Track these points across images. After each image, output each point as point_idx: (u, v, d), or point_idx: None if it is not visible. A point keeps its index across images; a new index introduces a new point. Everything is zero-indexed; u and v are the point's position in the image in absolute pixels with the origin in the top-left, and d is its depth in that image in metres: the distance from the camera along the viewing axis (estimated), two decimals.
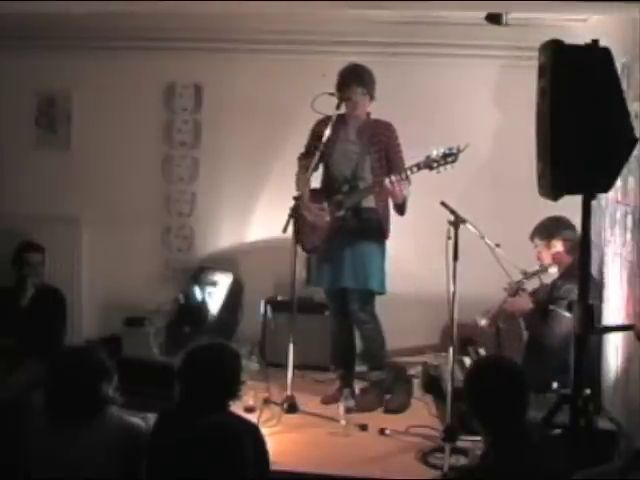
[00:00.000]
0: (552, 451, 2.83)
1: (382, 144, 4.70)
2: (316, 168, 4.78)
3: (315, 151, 4.69)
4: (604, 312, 4.60)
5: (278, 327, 5.22)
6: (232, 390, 3.14)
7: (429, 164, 4.38)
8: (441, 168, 4.36)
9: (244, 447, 2.62)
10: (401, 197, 4.54)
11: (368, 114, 4.78)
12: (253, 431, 2.98)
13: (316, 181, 4.86)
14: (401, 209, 4.66)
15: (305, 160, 4.81)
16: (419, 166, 4.44)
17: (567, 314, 4.31)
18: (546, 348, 4.44)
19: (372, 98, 4.72)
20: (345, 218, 4.69)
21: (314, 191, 4.82)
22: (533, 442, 2.82)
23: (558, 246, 4.57)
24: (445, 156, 4.33)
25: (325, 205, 4.74)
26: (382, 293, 4.79)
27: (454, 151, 4.33)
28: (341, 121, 4.75)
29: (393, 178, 4.46)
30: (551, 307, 4.46)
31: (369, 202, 4.71)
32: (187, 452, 2.61)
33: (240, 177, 5.81)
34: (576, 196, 3.33)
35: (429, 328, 5.42)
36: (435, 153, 4.36)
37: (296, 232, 4.58)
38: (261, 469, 2.91)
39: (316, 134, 4.77)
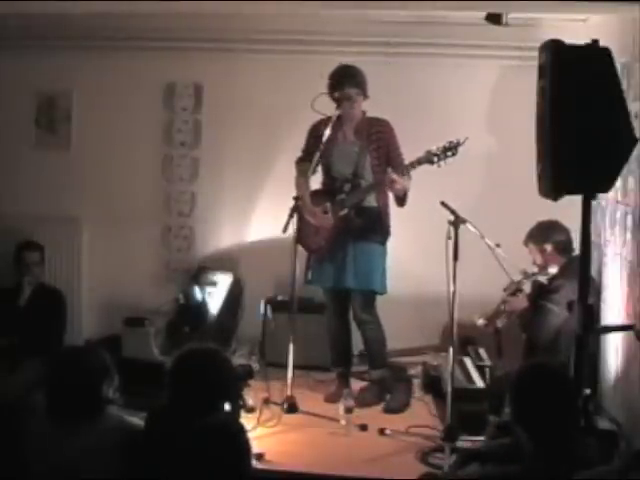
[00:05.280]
0: (590, 462, 2.77)
1: (381, 142, 4.72)
2: (315, 171, 4.80)
3: (314, 153, 4.69)
4: (604, 312, 4.60)
5: (278, 327, 5.21)
6: (222, 393, 3.12)
7: (429, 158, 4.43)
8: (441, 162, 4.40)
9: (241, 447, 2.63)
10: (402, 191, 4.59)
11: (364, 113, 4.79)
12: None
13: (315, 183, 4.87)
14: (401, 201, 4.68)
15: (303, 164, 4.83)
16: (420, 161, 4.49)
17: (555, 308, 4.33)
18: (537, 344, 4.46)
19: (366, 96, 4.74)
20: (348, 217, 4.70)
21: (315, 193, 4.83)
22: (576, 453, 2.76)
23: (550, 249, 4.60)
24: (445, 150, 4.37)
25: (328, 206, 4.75)
26: (383, 293, 4.81)
27: (454, 144, 4.35)
28: (337, 122, 4.74)
29: (394, 176, 4.48)
30: (541, 302, 4.47)
31: (371, 201, 4.74)
32: (183, 453, 2.62)
33: (240, 177, 5.81)
34: (576, 196, 3.33)
35: (429, 328, 5.42)
36: (435, 147, 4.40)
37: (297, 232, 4.58)
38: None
39: (314, 136, 4.79)
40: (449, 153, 4.38)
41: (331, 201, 4.75)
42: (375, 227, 4.74)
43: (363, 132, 4.75)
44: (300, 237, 4.69)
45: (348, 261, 4.71)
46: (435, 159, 4.41)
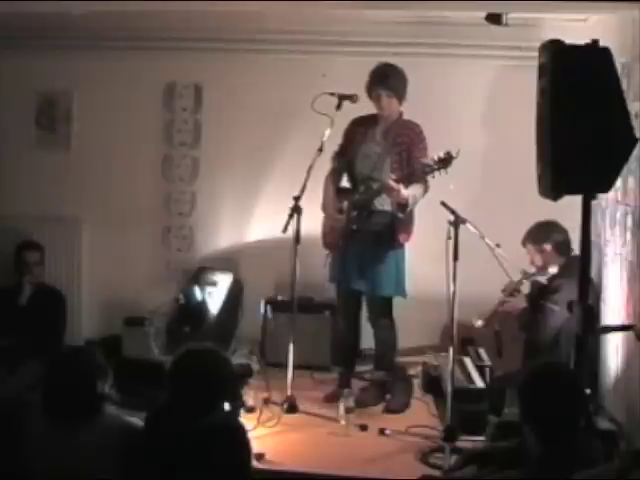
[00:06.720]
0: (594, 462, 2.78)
1: (404, 145, 4.64)
2: (343, 169, 4.81)
3: (345, 151, 4.73)
4: (604, 312, 4.61)
5: (278, 327, 5.21)
6: (222, 393, 3.12)
7: (424, 171, 4.38)
8: (435, 173, 4.36)
9: (241, 448, 2.63)
10: (402, 199, 4.49)
11: (400, 114, 4.74)
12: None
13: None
14: (402, 208, 4.59)
15: (337, 160, 4.82)
16: (413, 173, 4.46)
17: (556, 308, 4.34)
18: (537, 344, 4.46)
19: (401, 99, 4.68)
20: (358, 219, 4.68)
21: (339, 191, 4.82)
22: (582, 453, 2.77)
23: (549, 250, 4.61)
24: (438, 162, 4.31)
25: (345, 205, 4.74)
26: (405, 296, 4.78)
27: (448, 157, 4.29)
28: (373, 121, 4.75)
29: (391, 182, 4.43)
30: (541, 302, 4.47)
31: (384, 205, 4.66)
32: (182, 453, 2.62)
33: (240, 177, 5.81)
34: (576, 196, 3.33)
35: (429, 328, 5.42)
36: (430, 159, 4.35)
37: (297, 232, 4.58)
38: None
39: (347, 133, 4.80)
40: (441, 165, 4.29)
41: (349, 201, 4.74)
42: (385, 231, 4.66)
43: (391, 134, 4.69)
44: (322, 234, 4.82)
45: (357, 264, 4.69)
46: (427, 169, 4.35)
